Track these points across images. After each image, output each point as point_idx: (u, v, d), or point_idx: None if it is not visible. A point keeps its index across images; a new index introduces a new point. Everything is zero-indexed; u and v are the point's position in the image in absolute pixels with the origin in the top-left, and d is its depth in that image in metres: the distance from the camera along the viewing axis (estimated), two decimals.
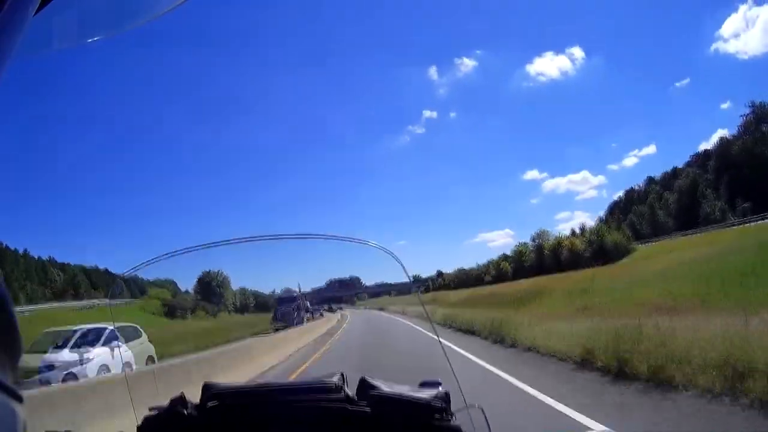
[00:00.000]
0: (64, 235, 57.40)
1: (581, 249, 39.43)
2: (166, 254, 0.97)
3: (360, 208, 72.80)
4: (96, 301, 30.20)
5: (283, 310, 24.33)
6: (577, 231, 44.71)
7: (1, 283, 0.30)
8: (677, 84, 58.81)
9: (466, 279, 52.44)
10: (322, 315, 31.24)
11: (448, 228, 75.92)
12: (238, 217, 59.32)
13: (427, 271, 59.41)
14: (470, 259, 57.51)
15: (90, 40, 0.51)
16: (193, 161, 62.77)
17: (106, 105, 60.32)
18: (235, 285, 54.48)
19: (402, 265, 0.99)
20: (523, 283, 23.74)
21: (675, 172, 47.16)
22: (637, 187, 49.93)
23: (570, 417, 3.45)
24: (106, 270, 41.65)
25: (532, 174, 73.99)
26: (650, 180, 49.45)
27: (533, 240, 48.47)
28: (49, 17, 0.44)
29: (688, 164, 46.05)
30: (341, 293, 74.38)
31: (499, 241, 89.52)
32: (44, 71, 41.74)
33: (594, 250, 37.08)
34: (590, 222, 43.87)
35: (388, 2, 68.26)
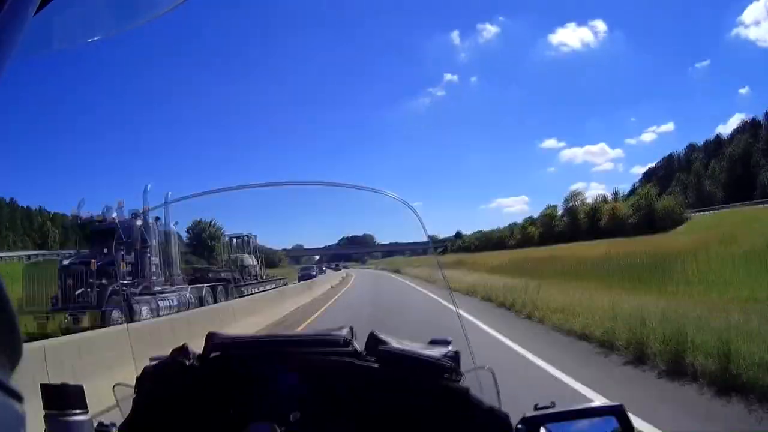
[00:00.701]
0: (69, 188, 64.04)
1: (625, 215, 37.70)
2: (172, 201, 1.02)
3: (377, 168, 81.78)
4: (42, 252, 30.28)
5: None
6: (609, 197, 43.38)
7: (1, 284, 0.30)
8: (697, 65, 65.93)
9: (486, 242, 52.76)
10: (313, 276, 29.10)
11: (464, 191, 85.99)
12: (255, 177, 66.44)
13: (444, 232, 63.75)
14: (485, 224, 62.99)
15: (90, 40, 0.53)
16: (190, 159, 71.18)
17: (106, 105, 68.86)
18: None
19: (420, 220, 1.00)
20: (594, 246, 19.33)
21: (719, 141, 44.58)
22: (676, 154, 48.09)
23: None
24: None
25: (550, 143, 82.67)
26: (692, 147, 46.76)
27: (566, 202, 47.51)
28: (49, 17, 0.45)
29: (737, 131, 43.55)
30: (352, 251, 76.57)
31: (515, 207, 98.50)
32: (44, 71, 46.49)
33: (641, 217, 35.39)
34: (607, 194, 44.88)
35: None
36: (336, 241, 72.17)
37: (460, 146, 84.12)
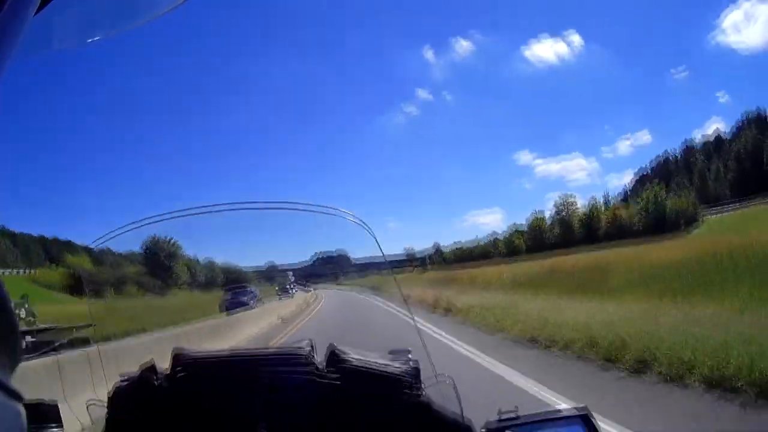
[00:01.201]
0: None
1: (629, 219, 38.41)
2: (133, 223, 1.03)
3: (349, 187, 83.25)
4: None
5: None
6: (600, 202, 45.13)
7: (2, 285, 0.32)
8: (673, 71, 66.95)
9: (467, 255, 52.13)
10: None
11: (439, 207, 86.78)
12: (221, 197, 66.89)
13: (419, 246, 65.42)
14: (459, 237, 63.60)
15: (90, 40, 0.57)
16: (191, 158, 69.84)
17: (106, 105, 67.55)
18: (216, 257, 55.70)
19: (376, 239, 1.08)
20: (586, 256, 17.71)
21: (719, 139, 46.63)
22: (672, 155, 50.71)
23: None
24: (69, 241, 43.84)
25: (525, 157, 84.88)
26: (689, 148, 48.78)
27: (557, 210, 48.06)
28: (49, 17, 0.48)
29: (739, 128, 45.77)
30: (326, 270, 79.85)
31: (490, 220, 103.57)
32: (44, 71, 47.39)
33: (649, 220, 35.92)
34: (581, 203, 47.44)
35: None
36: (309, 259, 74.03)
37: (434, 162, 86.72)
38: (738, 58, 58.44)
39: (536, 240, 46.58)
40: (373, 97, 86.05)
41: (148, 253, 46.13)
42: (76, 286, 29.63)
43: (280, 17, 77.92)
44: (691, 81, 62.86)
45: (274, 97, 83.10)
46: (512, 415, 0.86)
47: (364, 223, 1.08)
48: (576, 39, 75.33)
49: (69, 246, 45.25)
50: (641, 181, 52.59)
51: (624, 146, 69.84)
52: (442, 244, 63.50)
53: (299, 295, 31.44)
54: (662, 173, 50.47)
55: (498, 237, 55.44)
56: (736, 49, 61.10)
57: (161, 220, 1.14)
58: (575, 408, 0.86)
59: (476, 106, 78.52)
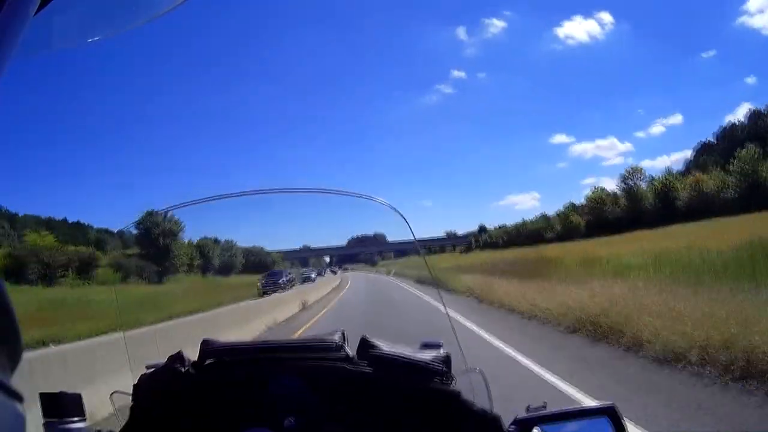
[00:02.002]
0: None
1: (716, 188, 35.25)
2: (167, 208, 1.29)
3: (386, 167, 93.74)
4: None
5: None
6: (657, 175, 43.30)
7: (1, 284, 0.35)
8: (703, 55, 75.91)
9: (517, 236, 52.88)
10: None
11: (474, 189, 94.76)
12: (261, 177, 79.73)
13: (459, 230, 71.26)
14: (497, 221, 69.41)
15: (90, 40, 0.61)
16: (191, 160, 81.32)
17: (106, 105, 77.61)
18: (250, 241, 58.77)
19: (406, 221, 1.19)
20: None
21: None
22: (738, 123, 48.03)
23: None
24: (78, 222, 46.49)
25: (560, 138, 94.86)
26: (756, 115, 46.12)
27: (624, 181, 46.29)
28: (49, 17, 0.51)
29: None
30: (361, 250, 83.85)
31: (527, 203, 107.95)
32: (44, 71, 52.31)
33: (744, 190, 33.04)
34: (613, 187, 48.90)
35: None
36: (345, 243, 78.91)
37: (470, 143, 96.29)
38: (764, 40, 64.22)
39: (598, 216, 44.84)
40: (409, 78, 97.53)
41: (142, 231, 40.06)
42: (14, 270, 27.45)
43: (313, 2, 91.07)
44: (720, 65, 69.86)
45: (308, 80, 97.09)
46: (541, 409, 0.92)
47: (395, 209, 1.19)
48: (607, 18, 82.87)
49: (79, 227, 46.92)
50: (703, 151, 49.59)
51: (657, 129, 78.64)
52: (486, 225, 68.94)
53: (322, 281, 31.06)
54: (730, 142, 46.85)
55: (548, 215, 54.34)
56: (761, 31, 67.26)
57: (197, 203, 1.31)
58: (602, 404, 0.92)
59: (510, 86, 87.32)
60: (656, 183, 42.63)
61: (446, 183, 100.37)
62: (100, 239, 43.67)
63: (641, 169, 47.18)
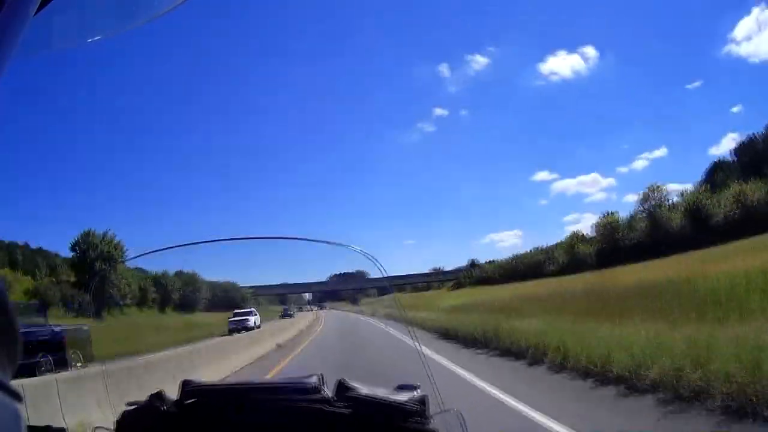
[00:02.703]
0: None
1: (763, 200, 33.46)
2: (149, 251, 1.45)
3: (367, 207, 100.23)
4: None
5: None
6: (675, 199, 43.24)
7: (1, 283, 0.38)
8: (689, 86, 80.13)
9: (513, 270, 51.87)
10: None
11: (456, 228, 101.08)
12: (240, 214, 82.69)
13: (447, 266, 75.48)
14: (481, 259, 70.64)
15: (90, 40, 0.65)
16: (192, 160, 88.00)
17: (106, 105, 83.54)
18: (213, 275, 60.19)
19: (380, 265, 1.40)
20: None
21: None
22: (759, 137, 51.12)
23: None
24: (56, 254, 44.31)
25: (542, 175, 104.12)
26: None
27: (643, 202, 45.12)
28: (49, 17, 0.56)
29: None
30: (342, 288, 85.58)
31: (508, 241, 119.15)
32: (44, 71, 56.96)
33: None
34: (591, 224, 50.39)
35: None
36: (325, 278, 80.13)
37: (451, 181, 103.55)
38: (750, 68, 66.83)
39: (612, 243, 43.55)
40: (390, 116, 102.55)
41: (77, 253, 39.40)
42: None
43: (292, 33, 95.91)
44: (706, 95, 74.13)
45: (286, 116, 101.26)
46: None
47: (368, 255, 1.41)
48: (591, 53, 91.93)
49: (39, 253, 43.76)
50: (716, 170, 48.08)
51: (640, 163, 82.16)
52: (459, 266, 72.05)
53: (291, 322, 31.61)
54: (751, 156, 48.00)
55: (557, 245, 52.71)
56: (748, 60, 70.58)
57: (183, 246, 1.52)
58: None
59: (492, 123, 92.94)
60: (686, 198, 41.84)
61: (428, 222, 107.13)
62: (35, 261, 41.13)
63: (662, 187, 46.44)
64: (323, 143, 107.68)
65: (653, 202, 45.56)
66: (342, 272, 76.60)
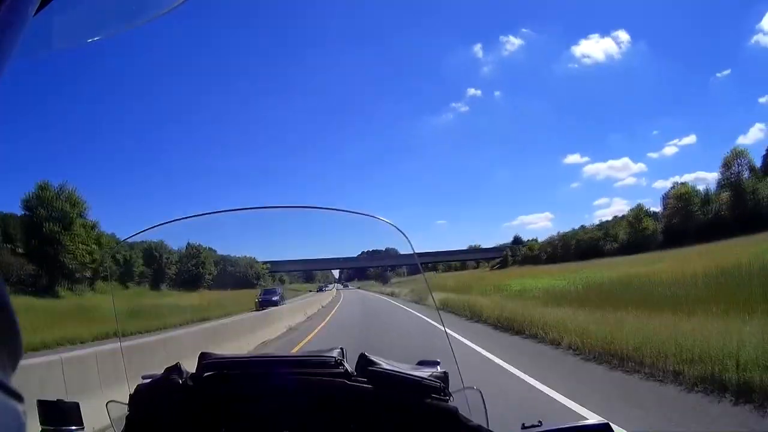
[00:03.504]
0: None
1: None
2: (179, 218, 1.49)
3: (399, 186, 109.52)
4: None
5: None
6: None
7: (1, 283, 0.40)
8: (718, 74, 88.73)
9: (566, 248, 52.21)
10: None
11: (487, 209, 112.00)
12: (275, 193, 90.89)
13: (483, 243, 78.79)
14: (508, 241, 76.25)
15: (90, 40, 0.70)
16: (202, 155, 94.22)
17: (107, 105, 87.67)
18: (230, 250, 55.85)
19: (408, 240, 1.42)
20: None
21: None
22: None
23: None
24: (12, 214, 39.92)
25: (573, 158, 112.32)
26: None
27: (725, 169, 42.14)
28: (49, 17, 0.59)
29: None
30: (369, 264, 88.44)
31: (539, 224, 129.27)
32: (44, 71, 60.68)
33: None
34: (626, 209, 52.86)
35: None
36: (355, 255, 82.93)
37: (483, 162, 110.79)
38: None
39: (685, 218, 41.76)
40: (425, 96, 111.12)
41: (26, 212, 34.55)
42: None
43: (327, 17, 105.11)
44: (734, 84, 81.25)
45: (322, 97, 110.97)
46: (536, 427, 1.11)
47: (396, 227, 1.43)
48: (624, 37, 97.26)
49: None
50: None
51: (670, 150, 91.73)
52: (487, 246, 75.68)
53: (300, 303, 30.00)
54: None
55: (615, 220, 52.23)
56: None
57: (208, 214, 1.59)
58: (597, 421, 1.09)
59: (525, 105, 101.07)
60: None
61: (460, 202, 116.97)
62: None
63: (745, 151, 42.99)
64: (358, 124, 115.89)
65: (736, 169, 42.23)
66: (371, 249, 78.65)
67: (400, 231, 1.39)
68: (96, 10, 0.73)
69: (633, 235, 45.38)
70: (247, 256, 60.76)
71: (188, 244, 50.17)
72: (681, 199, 43.04)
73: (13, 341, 0.42)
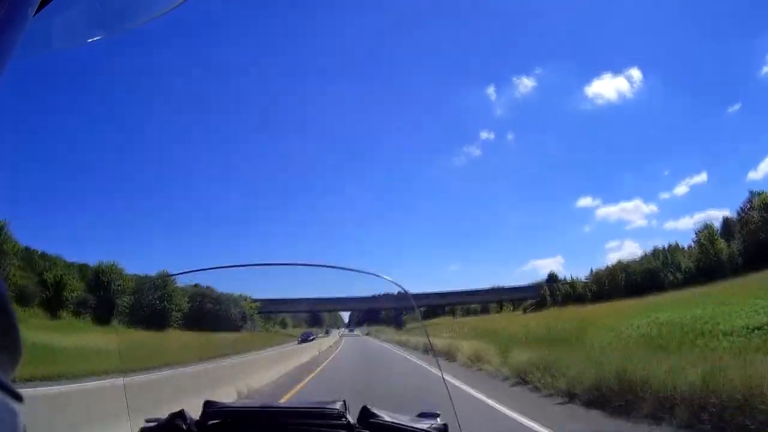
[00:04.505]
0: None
1: None
2: (183, 272, 1.68)
3: (411, 231, 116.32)
4: None
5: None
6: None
7: (1, 284, 0.44)
8: (729, 109, 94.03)
9: (613, 285, 47.26)
10: None
11: (499, 254, 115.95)
12: (287, 234, 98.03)
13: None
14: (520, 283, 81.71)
15: (90, 40, 0.76)
16: (217, 172, 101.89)
17: (106, 105, 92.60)
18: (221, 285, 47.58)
19: (411, 297, 1.72)
20: None
21: None
22: None
23: None
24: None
25: (585, 201, 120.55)
26: None
27: None
28: (49, 17, 0.64)
29: None
30: (381, 306, 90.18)
31: (551, 268, 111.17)
32: (44, 71, 64.56)
33: None
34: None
35: (446, 18, 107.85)
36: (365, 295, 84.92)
37: (496, 206, 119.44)
38: None
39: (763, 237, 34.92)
40: (437, 139, 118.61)
41: None
42: None
43: (337, 56, 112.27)
44: (745, 118, 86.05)
45: (328, 139, 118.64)
46: None
47: (400, 285, 1.67)
48: (636, 75, 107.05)
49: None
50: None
51: (681, 189, 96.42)
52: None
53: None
54: None
55: (674, 247, 48.31)
56: None
57: (215, 269, 1.86)
58: None
59: (538, 147, 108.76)
60: None
61: (473, 247, 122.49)
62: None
63: None
64: (367, 169, 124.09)
65: None
66: (384, 293, 79.40)
67: (402, 288, 1.64)
68: (96, 10, 0.79)
69: (703, 261, 43.19)
70: (235, 293, 56.03)
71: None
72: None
73: (13, 342, 0.45)
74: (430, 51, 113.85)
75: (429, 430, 1.27)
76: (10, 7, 0.54)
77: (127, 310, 44.09)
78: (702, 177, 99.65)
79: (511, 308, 66.39)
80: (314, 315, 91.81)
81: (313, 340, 48.55)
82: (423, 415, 1.39)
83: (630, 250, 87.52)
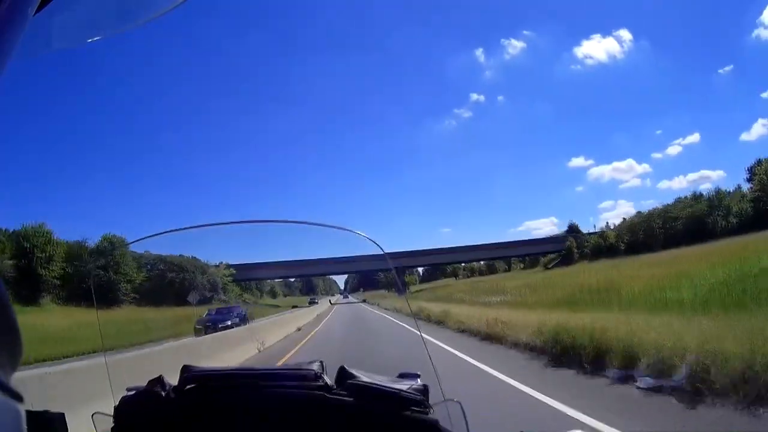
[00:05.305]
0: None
1: None
2: (171, 230, 1.78)
3: (401, 194, 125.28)
4: None
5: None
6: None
7: (1, 284, 0.47)
8: (720, 71, 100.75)
9: (649, 234, 47.09)
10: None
11: (492, 216, 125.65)
12: (278, 203, 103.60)
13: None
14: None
15: (90, 40, 0.80)
16: (200, 154, 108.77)
17: (107, 105, 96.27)
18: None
19: (387, 257, 1.68)
20: None
21: None
22: None
23: None
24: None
25: (578, 161, 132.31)
26: None
27: None
28: (49, 17, 0.68)
29: None
30: (363, 268, 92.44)
31: (544, 229, 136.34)
32: (44, 71, 67.48)
33: None
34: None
35: None
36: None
37: (488, 168, 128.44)
38: None
39: None
40: (428, 102, 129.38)
41: None
42: None
43: (327, 22, 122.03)
44: (737, 80, 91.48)
45: (321, 104, 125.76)
46: None
47: (374, 240, 1.71)
48: (626, 36, 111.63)
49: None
50: None
51: (674, 150, 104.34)
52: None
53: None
54: None
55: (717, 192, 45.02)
56: None
57: (189, 228, 1.87)
58: (593, 428, 1.19)
59: (528, 109, 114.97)
60: None
61: (465, 210, 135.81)
62: None
63: None
64: (356, 134, 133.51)
65: None
66: (368, 254, 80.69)
67: (376, 244, 1.70)
68: (96, 10, 0.84)
69: (765, 201, 39.97)
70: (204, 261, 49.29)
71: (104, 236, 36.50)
72: None
73: (14, 341, 0.48)
74: (417, 15, 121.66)
75: (408, 390, 1.34)
76: (10, 7, 0.58)
77: (58, 282, 37.39)
78: (695, 137, 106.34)
79: (522, 266, 65.56)
80: (308, 283, 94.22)
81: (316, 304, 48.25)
82: (403, 376, 1.48)
83: (624, 210, 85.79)
